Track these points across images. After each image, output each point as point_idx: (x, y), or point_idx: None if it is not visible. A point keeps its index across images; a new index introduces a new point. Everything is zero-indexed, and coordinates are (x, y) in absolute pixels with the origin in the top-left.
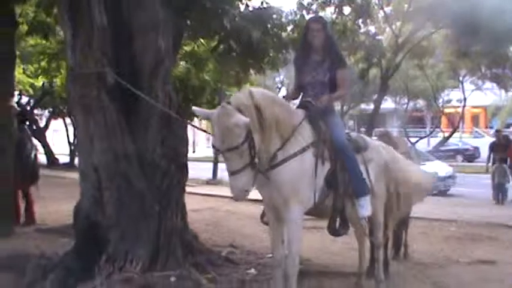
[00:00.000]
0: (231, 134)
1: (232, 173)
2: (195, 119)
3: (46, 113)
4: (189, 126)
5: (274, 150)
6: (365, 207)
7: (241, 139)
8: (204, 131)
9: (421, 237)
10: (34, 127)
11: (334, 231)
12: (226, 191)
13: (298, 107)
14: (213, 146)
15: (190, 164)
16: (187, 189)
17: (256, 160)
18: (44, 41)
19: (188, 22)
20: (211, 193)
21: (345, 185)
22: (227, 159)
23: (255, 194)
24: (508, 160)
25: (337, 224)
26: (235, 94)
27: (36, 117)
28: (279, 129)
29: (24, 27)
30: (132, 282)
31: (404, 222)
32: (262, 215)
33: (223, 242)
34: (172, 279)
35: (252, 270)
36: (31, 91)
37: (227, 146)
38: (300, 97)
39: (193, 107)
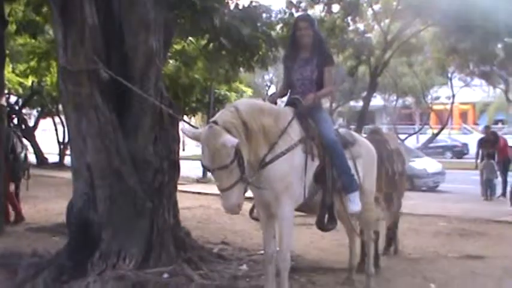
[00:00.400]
0: (220, 153)
1: (223, 190)
2: (185, 117)
3: (35, 112)
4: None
5: (262, 156)
6: (355, 203)
7: (230, 158)
8: (196, 127)
9: (411, 232)
10: (23, 126)
11: (322, 226)
12: (217, 189)
13: (287, 104)
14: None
15: (180, 162)
16: (178, 187)
17: (246, 173)
18: (33, 40)
19: (178, 21)
20: (202, 191)
21: (334, 181)
22: (217, 177)
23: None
24: (496, 156)
25: (326, 219)
26: (221, 111)
27: (25, 116)
28: (266, 137)
29: (13, 26)
30: (125, 279)
31: (395, 217)
32: (251, 211)
33: (215, 239)
34: (165, 275)
35: (244, 266)
36: (20, 90)
37: (217, 165)
38: (288, 94)
39: (182, 128)
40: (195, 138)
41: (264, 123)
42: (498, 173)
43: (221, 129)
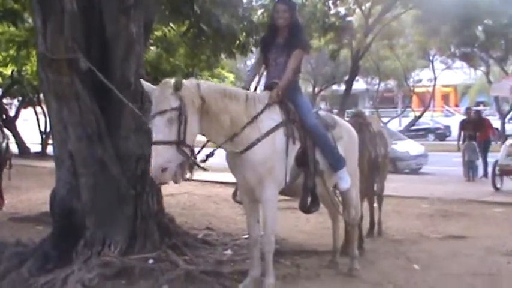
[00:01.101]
0: (164, 101)
1: (154, 143)
2: None
3: (15, 102)
4: None
5: (227, 137)
6: (344, 179)
7: (171, 106)
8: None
9: (394, 214)
10: (4, 116)
11: (305, 209)
12: (201, 175)
13: (265, 88)
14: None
15: None
16: None
17: (187, 149)
18: (12, 29)
19: (159, 7)
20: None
21: (315, 163)
22: (155, 126)
23: (229, 177)
24: (477, 136)
25: (309, 202)
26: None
27: (6, 106)
28: (234, 121)
29: None
30: (110, 266)
31: (379, 199)
32: (234, 194)
33: (199, 224)
34: (150, 261)
35: (229, 251)
36: (0, 80)
37: (157, 110)
38: (266, 78)
39: (141, 80)
40: (151, 91)
41: (228, 106)
42: (479, 154)
43: (173, 85)
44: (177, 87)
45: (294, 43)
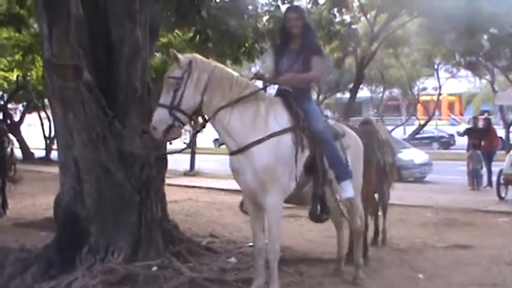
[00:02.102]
0: (173, 70)
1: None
2: None
3: (20, 107)
4: None
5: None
6: (347, 190)
7: (174, 76)
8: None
9: (399, 223)
10: (8, 121)
11: (315, 218)
12: (205, 182)
13: (276, 94)
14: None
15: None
16: (166, 180)
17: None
18: (17, 34)
19: (164, 13)
20: (189, 184)
21: (324, 172)
22: (163, 90)
23: (233, 184)
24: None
25: (318, 210)
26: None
27: (11, 111)
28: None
29: None
30: (114, 273)
31: (384, 208)
32: (241, 204)
33: (203, 232)
34: (154, 268)
35: (233, 259)
36: (5, 85)
37: (167, 74)
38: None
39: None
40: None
41: (230, 91)
42: (483, 163)
43: (177, 58)
44: (177, 60)
45: (309, 48)
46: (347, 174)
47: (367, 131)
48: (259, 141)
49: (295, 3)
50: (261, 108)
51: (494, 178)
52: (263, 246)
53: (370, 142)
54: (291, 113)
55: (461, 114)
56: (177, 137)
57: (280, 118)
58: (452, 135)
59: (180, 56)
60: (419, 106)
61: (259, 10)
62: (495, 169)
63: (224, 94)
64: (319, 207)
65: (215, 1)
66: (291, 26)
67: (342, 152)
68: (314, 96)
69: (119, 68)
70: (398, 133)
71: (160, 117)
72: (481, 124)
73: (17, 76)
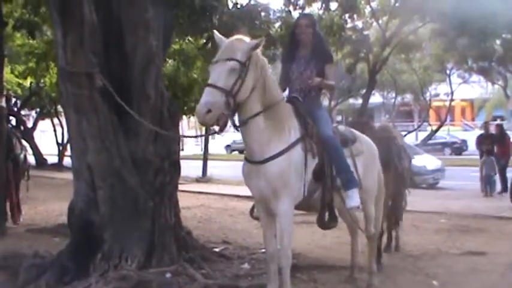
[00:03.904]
0: (234, 51)
1: (207, 85)
2: (184, 117)
3: (33, 113)
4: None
5: (253, 113)
6: (353, 198)
7: (238, 58)
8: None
9: (412, 229)
10: (22, 128)
11: (323, 225)
12: (217, 189)
13: (287, 102)
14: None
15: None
16: (178, 187)
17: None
18: (31, 41)
19: (177, 20)
20: (202, 190)
21: (332, 179)
22: (214, 71)
23: (245, 190)
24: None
25: (326, 217)
26: None
27: (24, 117)
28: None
29: (10, 27)
30: (128, 280)
31: (398, 214)
32: (252, 210)
33: (216, 238)
34: (168, 275)
35: (246, 265)
36: (19, 91)
37: (224, 56)
38: (288, 92)
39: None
40: (219, 41)
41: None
42: (496, 168)
43: (256, 43)
44: (257, 46)
45: (321, 56)
46: (353, 182)
47: (385, 137)
48: (280, 154)
49: (307, 10)
50: (283, 117)
51: (508, 184)
52: (275, 252)
53: (388, 148)
54: (300, 120)
55: (473, 119)
56: (224, 129)
57: (294, 127)
58: (464, 141)
59: (242, 37)
60: (431, 112)
61: (271, 16)
62: (509, 175)
63: (262, 96)
64: (327, 214)
65: (227, 8)
66: (301, 33)
67: (351, 159)
68: (326, 102)
69: (133, 76)
70: (411, 139)
71: (216, 100)
72: (492, 129)
73: (31, 83)
